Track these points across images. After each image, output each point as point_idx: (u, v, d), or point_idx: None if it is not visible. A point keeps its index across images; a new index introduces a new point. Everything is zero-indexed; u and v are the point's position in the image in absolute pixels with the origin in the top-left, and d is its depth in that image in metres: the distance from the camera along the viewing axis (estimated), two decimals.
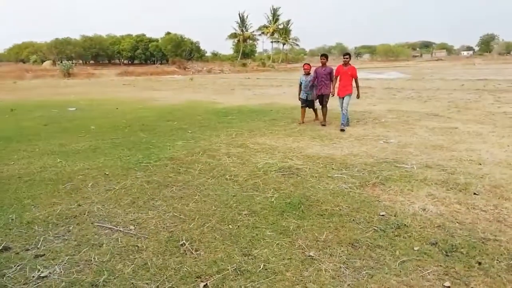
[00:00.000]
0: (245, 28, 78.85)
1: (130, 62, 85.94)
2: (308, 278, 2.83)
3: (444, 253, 3.13)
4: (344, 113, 8.61)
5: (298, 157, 6.30)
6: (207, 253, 3.24)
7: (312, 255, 3.16)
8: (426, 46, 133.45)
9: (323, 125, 9.21)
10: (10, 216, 4.07)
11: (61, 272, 2.99)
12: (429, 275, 2.83)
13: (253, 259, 3.12)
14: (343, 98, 8.70)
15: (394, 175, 5.18)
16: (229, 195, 4.60)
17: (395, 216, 3.89)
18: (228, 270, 2.96)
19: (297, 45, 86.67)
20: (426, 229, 3.58)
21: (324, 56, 9.51)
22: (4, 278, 2.92)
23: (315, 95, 9.56)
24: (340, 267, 2.97)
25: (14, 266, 3.09)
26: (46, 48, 72.76)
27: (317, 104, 9.79)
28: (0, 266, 3.09)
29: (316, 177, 5.22)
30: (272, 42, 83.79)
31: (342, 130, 8.46)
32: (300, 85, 9.72)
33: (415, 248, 3.21)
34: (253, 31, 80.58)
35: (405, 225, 3.65)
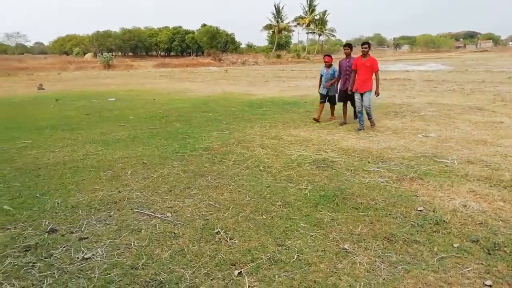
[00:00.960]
0: (281, 19, 78.08)
1: (166, 54, 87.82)
2: (342, 270, 2.82)
3: (486, 251, 3.01)
4: (368, 111, 7.79)
5: (332, 150, 6.23)
6: (242, 241, 3.29)
7: (347, 248, 3.13)
8: (471, 36, 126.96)
9: (343, 123, 8.48)
10: (56, 200, 4.32)
11: (103, 254, 3.15)
12: (469, 272, 2.74)
13: (286, 249, 3.14)
14: (362, 94, 7.79)
15: (433, 170, 5.02)
16: (263, 186, 4.64)
17: (433, 211, 3.77)
18: (262, 259, 3.00)
19: (333, 36, 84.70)
20: (467, 226, 3.45)
21: (348, 46, 8.55)
22: (51, 258, 3.11)
23: (336, 90, 8.79)
24: (375, 261, 2.93)
25: (60, 247, 3.28)
26: (88, 40, 75.66)
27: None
28: (47, 247, 3.29)
29: (351, 170, 5.14)
30: (307, 33, 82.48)
31: (361, 129, 7.66)
32: (321, 78, 8.96)
33: (455, 245, 3.10)
34: (289, 22, 79.76)
35: (444, 221, 3.54)
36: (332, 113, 9.18)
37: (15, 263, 3.02)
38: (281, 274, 2.79)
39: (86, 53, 67.63)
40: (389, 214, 3.74)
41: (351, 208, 3.93)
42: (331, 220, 3.66)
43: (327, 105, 9.08)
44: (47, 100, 14.73)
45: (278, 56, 64.92)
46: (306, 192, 4.39)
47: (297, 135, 7.44)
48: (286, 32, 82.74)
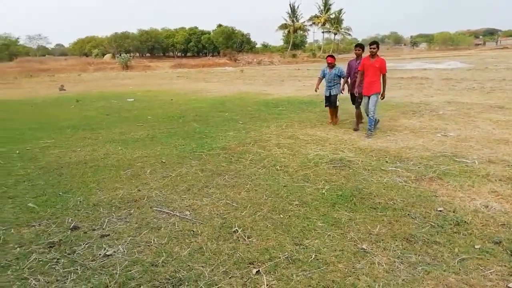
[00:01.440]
0: (296, 18, 77.94)
1: (183, 54, 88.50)
2: (360, 270, 2.81)
3: (509, 252, 2.95)
4: (370, 117, 7.17)
5: (349, 149, 6.20)
6: (259, 240, 3.31)
7: (365, 248, 3.12)
8: (491, 33, 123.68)
9: (356, 129, 7.74)
10: (78, 198, 4.43)
11: (124, 251, 3.22)
12: (491, 274, 2.69)
13: (304, 248, 3.15)
14: (369, 97, 7.21)
15: (453, 170, 4.93)
16: (280, 185, 4.65)
17: (454, 212, 3.71)
18: (280, 258, 3.01)
19: (349, 34, 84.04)
20: (489, 227, 3.39)
21: (360, 46, 7.89)
22: (74, 254, 3.20)
23: (338, 91, 8.27)
24: (394, 262, 2.91)
25: (83, 244, 3.36)
26: (107, 42, 76.93)
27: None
28: (71, 244, 3.38)
29: (368, 169, 5.11)
30: (323, 32, 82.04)
31: (369, 137, 7.08)
32: (321, 78, 8.51)
33: (476, 246, 3.05)
34: (304, 22, 79.51)
35: (465, 222, 3.48)
36: (336, 115, 8.57)
37: (40, 259, 3.12)
38: (299, 273, 2.80)
39: (105, 55, 68.80)
40: (408, 214, 3.70)
41: (369, 208, 3.90)
42: (349, 220, 3.65)
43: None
44: (68, 101, 15.07)
45: (294, 56, 64.74)
46: (323, 191, 4.38)
47: (313, 134, 7.42)
48: (301, 32, 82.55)
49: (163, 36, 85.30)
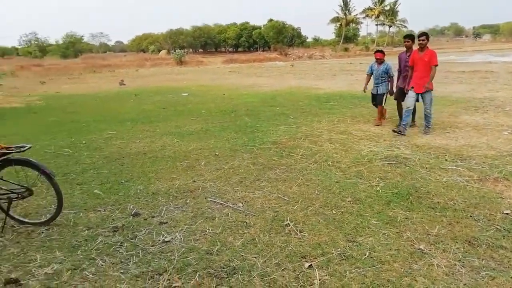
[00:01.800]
0: (348, 11, 75.83)
1: (234, 49, 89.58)
2: (418, 271, 2.72)
3: None
4: (427, 115, 6.74)
5: (405, 146, 5.97)
6: (311, 235, 3.32)
7: (423, 248, 3.01)
8: None
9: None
10: (139, 187, 4.69)
11: (181, 239, 3.37)
12: None
13: (358, 246, 3.10)
14: (419, 94, 6.75)
15: None
16: (332, 181, 4.60)
17: None
18: (333, 254, 2.99)
19: (404, 27, 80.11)
20: None
21: (409, 38, 7.32)
22: (136, 239, 3.41)
23: (385, 89, 7.65)
24: (455, 265, 2.78)
25: (143, 230, 3.57)
26: (162, 38, 79.91)
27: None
28: (132, 229, 3.60)
29: (426, 168, 4.89)
30: (377, 25, 79.13)
31: (426, 133, 6.74)
32: (369, 76, 7.93)
33: None
34: (357, 14, 77.15)
35: None
36: (383, 115, 7.89)
37: (106, 242, 3.36)
38: (353, 270, 2.77)
39: (161, 51, 71.46)
40: (470, 216, 3.51)
41: (427, 207, 3.75)
42: (405, 218, 3.54)
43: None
44: (127, 95, 15.90)
45: (346, 49, 63.11)
46: (378, 189, 4.28)
47: (367, 130, 7.23)
48: (354, 25, 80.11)
49: (215, 32, 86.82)
